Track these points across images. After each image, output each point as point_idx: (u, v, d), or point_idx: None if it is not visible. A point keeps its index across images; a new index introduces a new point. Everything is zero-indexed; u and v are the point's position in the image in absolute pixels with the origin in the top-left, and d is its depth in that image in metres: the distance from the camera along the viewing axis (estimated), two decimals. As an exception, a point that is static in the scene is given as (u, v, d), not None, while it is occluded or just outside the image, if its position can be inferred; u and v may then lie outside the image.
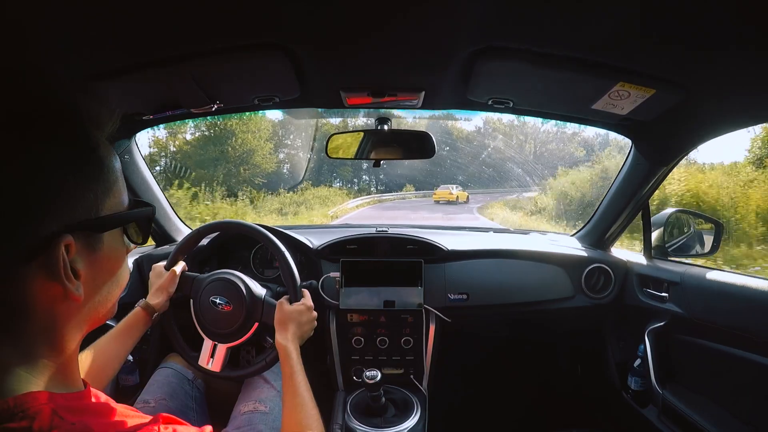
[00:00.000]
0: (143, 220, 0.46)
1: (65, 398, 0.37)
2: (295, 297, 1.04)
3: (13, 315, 0.36)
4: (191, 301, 1.09)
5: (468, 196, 21.51)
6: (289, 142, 22.90)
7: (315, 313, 1.04)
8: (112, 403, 0.43)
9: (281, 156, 21.84)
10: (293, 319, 0.97)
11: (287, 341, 0.92)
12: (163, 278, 1.06)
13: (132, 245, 0.46)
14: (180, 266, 1.09)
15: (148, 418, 0.42)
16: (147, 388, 1.07)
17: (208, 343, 1.09)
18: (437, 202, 20.54)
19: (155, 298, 1.03)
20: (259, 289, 1.10)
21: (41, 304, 0.37)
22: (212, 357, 1.08)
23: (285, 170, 21.38)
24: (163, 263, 1.11)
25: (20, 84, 0.35)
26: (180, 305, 1.11)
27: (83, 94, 0.39)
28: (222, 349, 1.08)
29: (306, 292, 1.06)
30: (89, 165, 0.39)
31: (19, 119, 0.34)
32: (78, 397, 0.40)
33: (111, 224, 0.41)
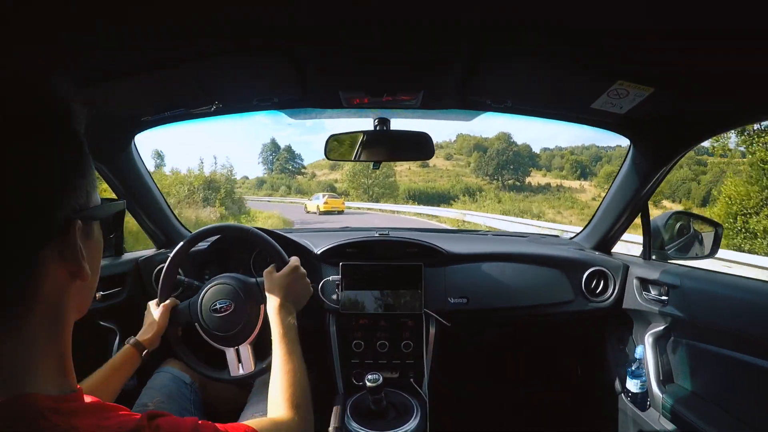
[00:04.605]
0: (119, 213, 0.52)
1: (54, 400, 0.38)
2: (282, 265, 1.03)
3: (23, 302, 0.38)
4: (196, 324, 1.08)
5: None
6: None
7: (303, 271, 1.02)
8: (102, 403, 0.43)
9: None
10: (280, 285, 0.97)
11: (276, 309, 0.92)
12: (155, 314, 1.06)
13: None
14: (170, 302, 1.08)
15: (136, 416, 0.42)
16: (145, 392, 1.07)
17: (230, 353, 1.08)
18: (325, 212, 19.48)
19: (145, 334, 1.03)
20: (250, 278, 1.10)
21: (50, 286, 0.39)
22: (240, 362, 1.07)
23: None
24: (156, 300, 1.09)
25: (31, 91, 0.38)
26: (189, 332, 1.11)
27: (71, 95, 0.41)
28: (246, 348, 1.07)
29: (295, 258, 1.05)
30: (83, 161, 0.42)
31: (32, 123, 0.37)
32: (68, 399, 0.40)
33: (102, 213, 0.45)
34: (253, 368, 1.07)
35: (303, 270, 1.03)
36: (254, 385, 1.14)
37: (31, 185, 0.36)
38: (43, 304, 0.39)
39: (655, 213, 1.40)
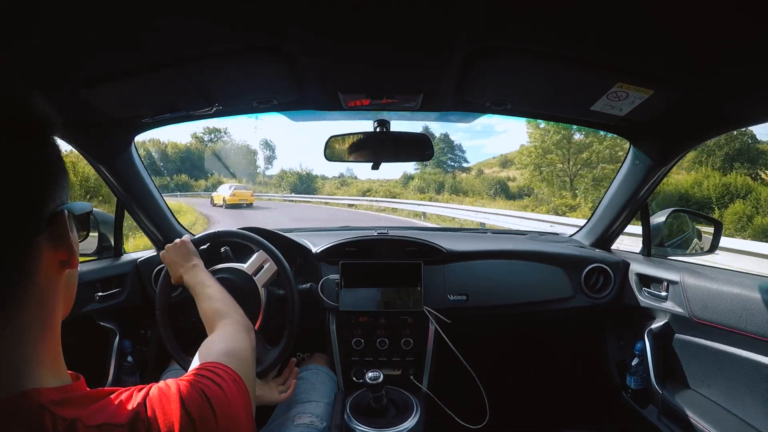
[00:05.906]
0: (87, 215, 0.56)
1: (59, 391, 0.39)
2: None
3: (18, 289, 0.39)
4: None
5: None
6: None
7: (176, 241, 1.07)
8: (104, 390, 0.44)
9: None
10: (168, 262, 1.05)
11: (183, 279, 0.99)
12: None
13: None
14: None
15: (137, 395, 0.43)
16: None
17: None
18: (232, 205, 18.64)
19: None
20: (234, 264, 1.15)
21: (44, 273, 0.41)
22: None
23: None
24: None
25: (19, 102, 0.41)
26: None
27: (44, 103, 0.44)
28: (258, 338, 1.07)
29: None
30: (61, 161, 0.45)
31: (27, 128, 0.41)
32: (72, 390, 0.41)
33: (80, 209, 0.48)
34: (269, 356, 1.07)
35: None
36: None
37: (30, 180, 0.40)
38: (37, 295, 0.40)
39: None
